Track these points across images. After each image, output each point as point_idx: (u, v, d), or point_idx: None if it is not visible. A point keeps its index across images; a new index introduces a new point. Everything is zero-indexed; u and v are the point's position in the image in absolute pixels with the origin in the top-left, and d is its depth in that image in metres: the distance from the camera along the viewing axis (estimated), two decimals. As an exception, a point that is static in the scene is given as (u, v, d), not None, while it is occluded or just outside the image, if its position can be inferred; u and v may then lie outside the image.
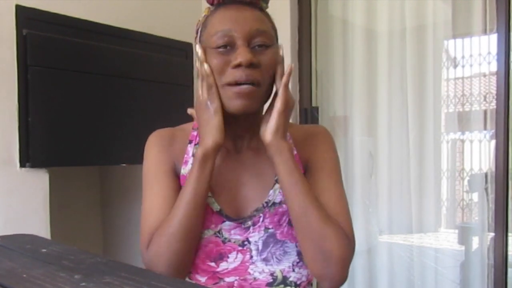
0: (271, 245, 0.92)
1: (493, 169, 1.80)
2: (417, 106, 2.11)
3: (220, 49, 0.86)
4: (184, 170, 0.94)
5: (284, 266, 0.92)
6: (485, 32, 1.90)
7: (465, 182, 2.05)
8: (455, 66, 2.05)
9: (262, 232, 0.92)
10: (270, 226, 0.92)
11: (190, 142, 0.96)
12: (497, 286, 1.78)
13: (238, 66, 0.84)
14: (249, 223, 0.92)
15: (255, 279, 0.91)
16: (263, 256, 0.92)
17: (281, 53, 0.89)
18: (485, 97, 1.93)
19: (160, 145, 0.96)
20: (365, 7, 2.22)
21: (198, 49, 0.88)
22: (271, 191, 0.92)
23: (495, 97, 1.78)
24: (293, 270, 0.93)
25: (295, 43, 2.19)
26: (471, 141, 2.01)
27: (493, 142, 1.82)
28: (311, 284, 0.98)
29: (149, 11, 1.94)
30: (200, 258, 0.92)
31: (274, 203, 0.92)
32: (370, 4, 2.21)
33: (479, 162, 1.96)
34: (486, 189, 1.89)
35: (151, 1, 1.95)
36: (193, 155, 0.94)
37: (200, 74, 0.88)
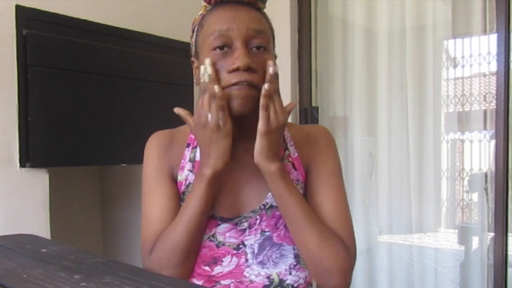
0: (268, 248, 0.92)
1: (493, 169, 1.80)
2: (417, 106, 2.10)
3: (217, 50, 0.85)
4: (181, 176, 0.94)
5: (280, 269, 0.92)
6: (485, 32, 1.90)
7: (465, 182, 2.05)
8: (455, 66, 2.05)
9: (259, 235, 0.92)
10: (267, 229, 0.92)
11: (188, 145, 0.96)
12: (497, 286, 1.78)
13: (236, 70, 0.83)
14: (245, 224, 0.92)
15: (251, 281, 0.91)
16: (259, 259, 0.91)
17: (274, 69, 0.84)
18: (485, 97, 1.93)
19: (159, 149, 0.96)
20: (365, 7, 2.22)
21: (207, 66, 0.84)
22: (269, 194, 0.92)
23: (495, 97, 1.78)
24: (290, 273, 0.92)
25: (295, 43, 2.19)
26: (471, 141, 2.01)
27: (493, 142, 1.82)
28: (311, 285, 0.98)
29: (149, 11, 1.94)
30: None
31: (271, 206, 0.92)
32: (370, 4, 2.20)
33: (479, 162, 1.96)
34: (486, 189, 1.89)
35: (151, 1, 1.95)
36: (190, 160, 0.94)
37: (203, 88, 0.85)
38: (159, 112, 1.82)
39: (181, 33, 1.91)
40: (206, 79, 0.83)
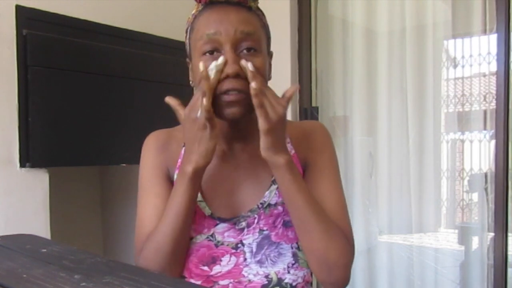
0: (266, 247, 0.92)
1: (493, 169, 1.80)
2: (417, 106, 2.11)
3: (207, 55, 0.85)
4: (177, 175, 0.94)
5: (279, 268, 0.92)
6: (485, 32, 1.90)
7: (465, 182, 2.05)
8: (455, 66, 2.05)
9: (257, 234, 0.92)
10: (265, 228, 0.92)
11: (185, 145, 0.96)
12: (497, 286, 1.78)
13: (226, 77, 0.82)
14: (243, 224, 0.92)
15: (249, 281, 0.90)
16: (257, 258, 0.91)
17: (252, 65, 0.82)
18: (485, 97, 1.93)
19: (156, 149, 0.96)
20: (365, 7, 2.22)
21: (220, 62, 0.82)
22: (266, 193, 0.92)
23: (495, 97, 1.78)
24: (288, 272, 0.92)
25: (295, 43, 2.19)
26: (471, 141, 2.01)
27: (493, 142, 1.82)
28: (311, 284, 0.98)
29: (149, 11, 1.93)
30: (193, 262, 0.92)
31: (269, 205, 0.92)
32: (370, 4, 2.20)
33: (479, 162, 1.96)
34: (486, 189, 1.89)
35: (150, 1, 1.95)
36: None
37: (201, 85, 0.84)
38: (158, 112, 1.82)
39: (181, 33, 1.90)
40: (212, 75, 0.82)
